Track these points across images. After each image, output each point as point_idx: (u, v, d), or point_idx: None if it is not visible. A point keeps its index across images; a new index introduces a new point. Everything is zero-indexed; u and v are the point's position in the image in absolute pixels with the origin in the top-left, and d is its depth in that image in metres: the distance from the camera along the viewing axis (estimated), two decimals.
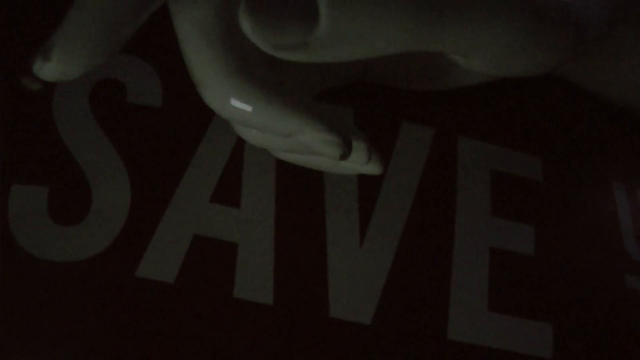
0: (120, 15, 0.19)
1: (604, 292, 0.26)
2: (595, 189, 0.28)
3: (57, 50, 0.18)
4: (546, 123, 0.28)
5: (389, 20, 0.19)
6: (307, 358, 0.23)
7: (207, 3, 0.20)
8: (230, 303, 0.23)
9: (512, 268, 0.25)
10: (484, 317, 0.24)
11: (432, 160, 0.26)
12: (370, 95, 0.26)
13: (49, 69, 0.18)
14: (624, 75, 0.27)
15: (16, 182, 0.23)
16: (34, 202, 0.23)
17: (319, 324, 0.23)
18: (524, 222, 0.26)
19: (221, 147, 0.25)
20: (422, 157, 0.26)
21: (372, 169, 0.22)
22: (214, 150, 0.25)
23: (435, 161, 0.26)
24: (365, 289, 0.24)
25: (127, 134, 0.24)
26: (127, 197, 0.24)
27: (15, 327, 0.22)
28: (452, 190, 0.26)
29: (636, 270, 0.27)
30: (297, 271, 0.24)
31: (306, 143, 0.21)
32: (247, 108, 0.20)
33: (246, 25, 0.18)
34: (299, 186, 0.25)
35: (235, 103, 0.20)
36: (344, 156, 0.21)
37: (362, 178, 0.25)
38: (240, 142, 0.25)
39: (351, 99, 0.26)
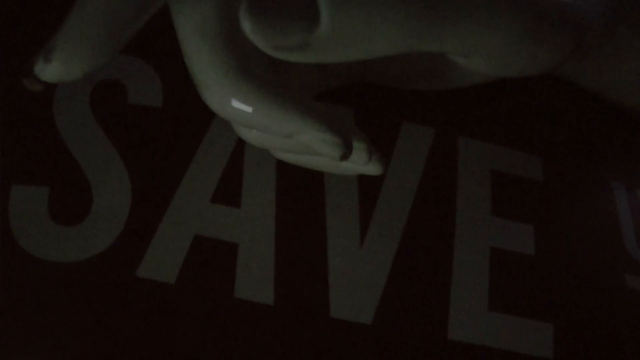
0: (121, 17, 0.19)
1: (604, 291, 0.26)
2: (596, 188, 0.28)
3: (58, 52, 0.18)
4: (546, 123, 0.28)
5: (389, 21, 0.19)
6: (308, 358, 0.23)
7: (208, 4, 0.20)
8: (231, 303, 0.23)
9: (512, 268, 0.25)
10: (484, 316, 0.24)
11: (432, 160, 0.26)
12: (370, 96, 0.26)
13: (50, 71, 0.18)
14: (624, 76, 0.27)
15: (17, 182, 0.23)
16: (34, 203, 0.23)
17: (320, 324, 0.23)
18: (524, 222, 0.26)
19: (222, 147, 0.25)
20: (423, 157, 0.26)
21: (373, 169, 0.22)
22: (214, 150, 0.25)
23: (436, 161, 0.26)
24: (366, 289, 0.24)
25: (127, 135, 0.24)
26: (128, 198, 0.24)
27: (16, 327, 0.22)
28: (452, 190, 0.26)
29: (636, 270, 0.27)
30: (297, 271, 0.24)
31: (306, 143, 0.21)
32: (248, 109, 0.20)
33: (246, 25, 0.18)
34: (299, 186, 0.25)
35: (236, 104, 0.20)
36: (345, 156, 0.21)
37: (362, 178, 0.25)
38: (241, 143, 0.25)
39: (351, 99, 0.26)
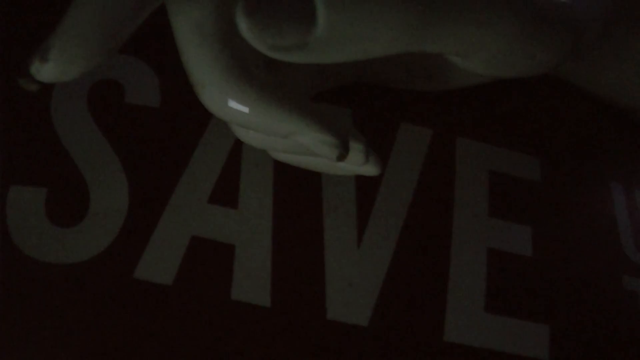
0: (118, 16, 0.19)
1: (602, 293, 0.26)
2: (594, 190, 0.28)
3: (54, 51, 0.18)
4: (544, 124, 0.28)
5: (387, 21, 0.19)
6: None
7: (205, 3, 0.19)
8: (228, 305, 0.23)
9: (509, 269, 0.25)
10: (480, 318, 0.24)
11: (430, 161, 0.26)
12: (368, 96, 0.26)
13: (46, 70, 0.18)
14: (622, 76, 0.27)
15: (14, 183, 0.23)
16: (32, 204, 0.23)
17: (317, 326, 0.23)
18: (522, 223, 0.26)
19: (219, 148, 0.25)
20: (420, 157, 0.26)
21: (370, 170, 0.22)
22: (211, 151, 0.25)
23: (433, 162, 0.26)
24: (363, 291, 0.24)
25: (125, 135, 0.24)
26: (125, 199, 0.24)
27: (13, 328, 0.22)
28: (450, 190, 0.26)
29: (634, 272, 0.27)
30: (294, 273, 0.24)
31: (304, 144, 0.21)
32: (245, 109, 0.20)
33: (243, 26, 0.18)
34: (296, 187, 0.25)
35: (233, 104, 0.20)
36: (342, 157, 0.21)
37: (360, 179, 0.25)
38: (238, 143, 0.25)
39: (349, 99, 0.26)
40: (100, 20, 0.18)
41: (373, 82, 0.26)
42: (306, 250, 0.24)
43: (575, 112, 0.29)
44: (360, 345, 0.23)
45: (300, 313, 0.23)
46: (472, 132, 0.27)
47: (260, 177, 0.25)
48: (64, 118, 0.24)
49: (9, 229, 0.23)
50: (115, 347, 0.22)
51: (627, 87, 0.28)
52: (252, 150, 0.25)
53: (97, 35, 0.18)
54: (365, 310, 0.24)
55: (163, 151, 0.24)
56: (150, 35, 0.25)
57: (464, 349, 0.24)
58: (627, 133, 0.30)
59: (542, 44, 0.22)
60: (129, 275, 0.23)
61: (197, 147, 0.25)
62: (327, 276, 0.24)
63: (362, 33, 0.19)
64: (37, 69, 0.18)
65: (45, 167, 0.23)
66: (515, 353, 0.24)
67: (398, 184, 0.25)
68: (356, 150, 0.21)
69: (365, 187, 0.25)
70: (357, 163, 0.22)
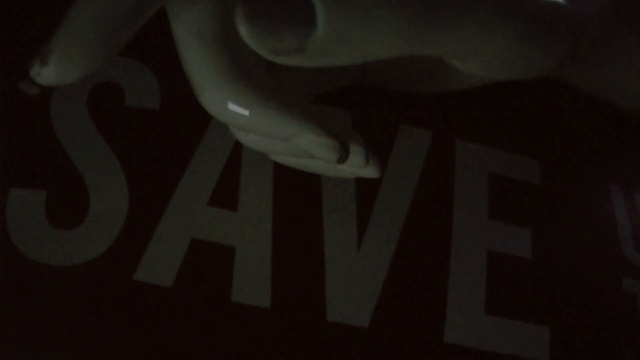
0: (118, 19, 0.19)
1: (601, 295, 0.26)
2: (593, 192, 0.28)
3: (54, 55, 0.18)
4: (544, 126, 0.28)
5: (386, 25, 0.19)
6: None
7: (205, 6, 0.19)
8: (228, 307, 0.23)
9: (509, 271, 0.25)
10: (480, 320, 0.24)
11: (429, 163, 0.26)
12: (367, 99, 0.26)
13: (46, 74, 0.18)
14: (621, 78, 0.27)
15: (14, 185, 0.23)
16: (31, 206, 0.23)
17: (317, 327, 0.23)
18: (522, 225, 0.26)
19: (219, 150, 0.25)
20: (420, 160, 0.26)
21: (370, 172, 0.22)
22: (211, 153, 0.25)
23: (433, 164, 0.26)
24: (363, 292, 0.24)
25: (125, 137, 0.24)
26: (125, 201, 0.24)
27: (13, 330, 0.22)
28: (449, 193, 0.26)
29: (633, 274, 0.27)
30: (294, 274, 0.24)
31: (304, 146, 0.21)
32: (244, 112, 0.20)
33: (243, 29, 0.18)
34: (296, 189, 0.25)
35: (233, 107, 0.20)
36: (342, 160, 0.21)
37: (359, 181, 0.25)
38: (238, 146, 0.25)
39: (348, 102, 0.26)
40: (100, 23, 0.18)
41: (372, 85, 0.26)
42: (306, 252, 0.24)
43: (575, 114, 0.29)
44: (360, 346, 0.23)
45: (300, 315, 0.23)
46: (471, 134, 0.27)
47: (260, 179, 0.25)
48: (64, 120, 0.24)
49: (9, 232, 0.23)
50: (116, 349, 0.22)
51: (626, 89, 0.28)
52: (252, 152, 0.25)
53: (98, 38, 0.18)
54: (365, 312, 0.24)
55: (163, 153, 0.24)
56: (151, 38, 0.25)
57: (464, 350, 0.24)
58: (627, 135, 0.30)
59: (541, 46, 0.22)
60: (129, 277, 0.23)
61: (197, 150, 0.25)
62: (327, 278, 0.24)
63: (361, 37, 0.19)
64: (37, 73, 0.18)
65: (45, 170, 0.23)
66: (516, 355, 0.24)
67: (398, 186, 0.25)
68: (356, 153, 0.21)
69: (365, 190, 0.25)
70: (357, 166, 0.22)
